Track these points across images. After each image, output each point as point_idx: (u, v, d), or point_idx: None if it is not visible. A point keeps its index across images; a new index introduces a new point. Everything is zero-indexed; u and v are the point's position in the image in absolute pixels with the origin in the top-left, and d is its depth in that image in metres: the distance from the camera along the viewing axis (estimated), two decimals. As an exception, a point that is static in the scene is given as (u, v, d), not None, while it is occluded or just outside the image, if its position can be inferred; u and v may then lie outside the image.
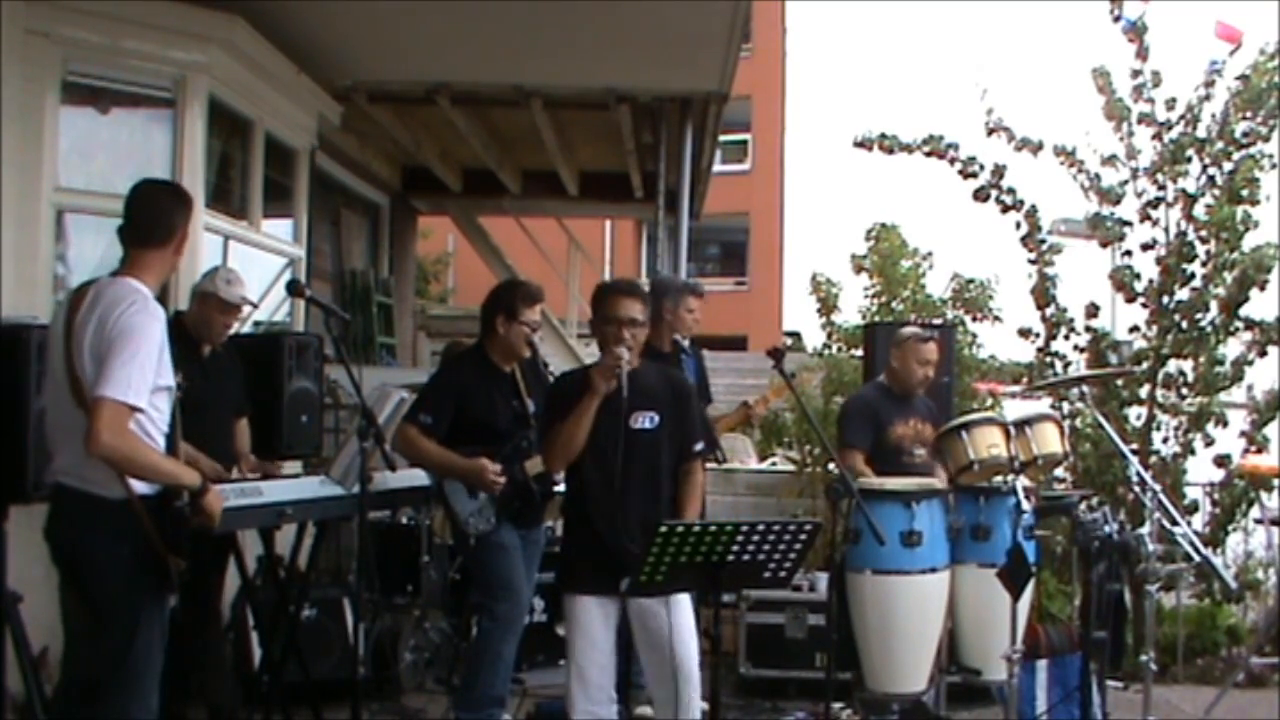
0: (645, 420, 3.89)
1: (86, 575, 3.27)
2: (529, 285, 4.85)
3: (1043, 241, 7.27)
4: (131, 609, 3.26)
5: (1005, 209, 7.26)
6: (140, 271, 3.33)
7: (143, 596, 3.27)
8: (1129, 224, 7.14)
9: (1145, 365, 6.97)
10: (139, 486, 3.22)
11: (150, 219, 3.38)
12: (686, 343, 5.34)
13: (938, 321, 7.43)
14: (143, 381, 3.14)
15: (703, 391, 5.13)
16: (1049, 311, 7.25)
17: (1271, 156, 6.82)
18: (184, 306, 4.95)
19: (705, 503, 5.44)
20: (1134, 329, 7.18)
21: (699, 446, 4.06)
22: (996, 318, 7.98)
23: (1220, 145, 6.88)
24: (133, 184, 3.47)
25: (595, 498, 3.85)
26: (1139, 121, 7.08)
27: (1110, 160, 7.19)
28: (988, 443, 4.80)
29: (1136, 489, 5.22)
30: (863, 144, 7.53)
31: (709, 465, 4.60)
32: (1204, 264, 6.90)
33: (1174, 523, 4.67)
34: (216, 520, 3.41)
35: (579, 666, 3.84)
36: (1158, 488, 4.79)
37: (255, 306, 4.99)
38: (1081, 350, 7.22)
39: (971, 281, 8.06)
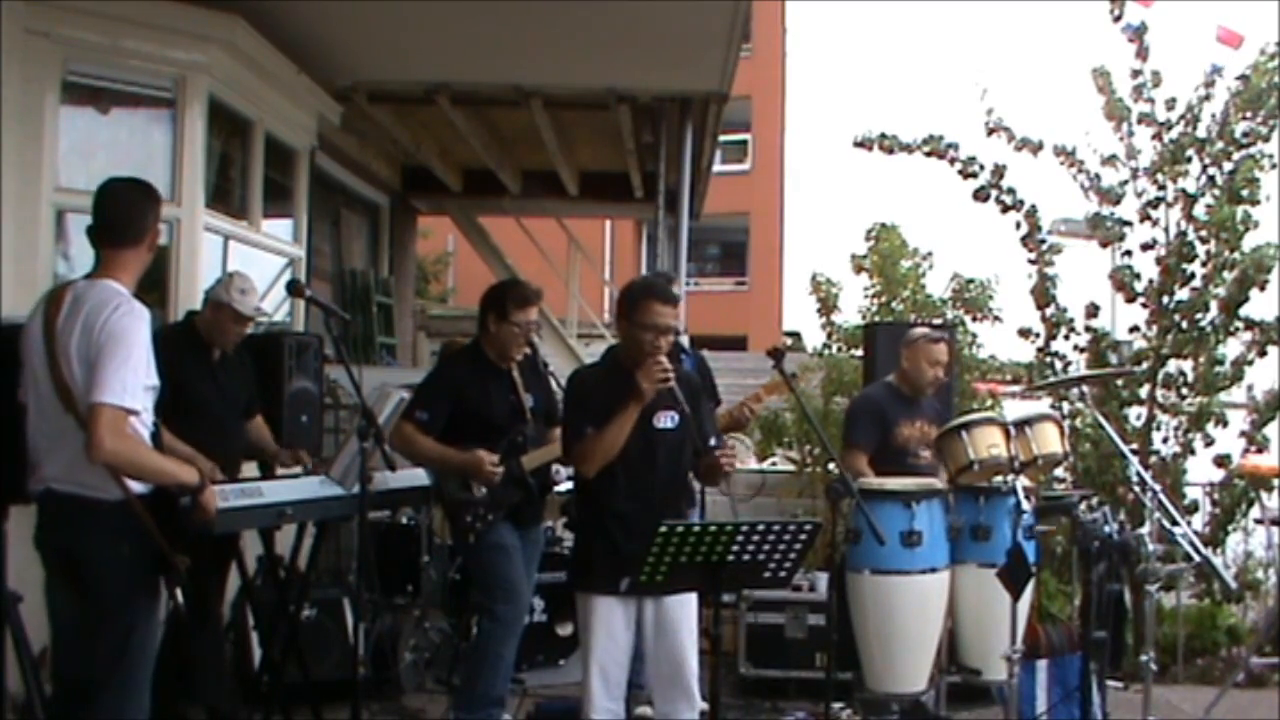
0: (667, 420, 3.91)
1: (87, 577, 3.26)
2: (524, 287, 4.79)
3: (1043, 241, 7.28)
4: (129, 609, 3.26)
5: (1005, 209, 7.27)
6: (117, 272, 3.29)
7: (139, 596, 3.27)
8: (1129, 224, 7.15)
9: (1145, 365, 6.97)
10: (135, 486, 3.21)
11: (123, 218, 3.32)
12: (686, 342, 5.34)
13: (938, 321, 7.43)
14: (136, 384, 3.12)
15: (710, 391, 5.10)
16: (1049, 311, 7.26)
17: (1271, 156, 6.82)
18: (183, 307, 4.95)
19: (705, 502, 5.48)
20: (1134, 329, 7.19)
21: (713, 441, 4.09)
22: (996, 318, 7.98)
23: (1220, 145, 6.89)
24: (101, 183, 3.40)
25: (624, 498, 3.84)
26: (1139, 121, 7.09)
27: (1110, 160, 7.20)
28: (988, 443, 4.80)
29: (1136, 489, 5.22)
30: (863, 144, 7.54)
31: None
32: (1204, 264, 6.91)
33: (1174, 523, 4.66)
34: (214, 517, 3.41)
35: (601, 664, 3.83)
36: (1158, 488, 4.78)
37: (269, 316, 4.98)
38: (1081, 350, 7.23)
39: (971, 281, 8.06)
